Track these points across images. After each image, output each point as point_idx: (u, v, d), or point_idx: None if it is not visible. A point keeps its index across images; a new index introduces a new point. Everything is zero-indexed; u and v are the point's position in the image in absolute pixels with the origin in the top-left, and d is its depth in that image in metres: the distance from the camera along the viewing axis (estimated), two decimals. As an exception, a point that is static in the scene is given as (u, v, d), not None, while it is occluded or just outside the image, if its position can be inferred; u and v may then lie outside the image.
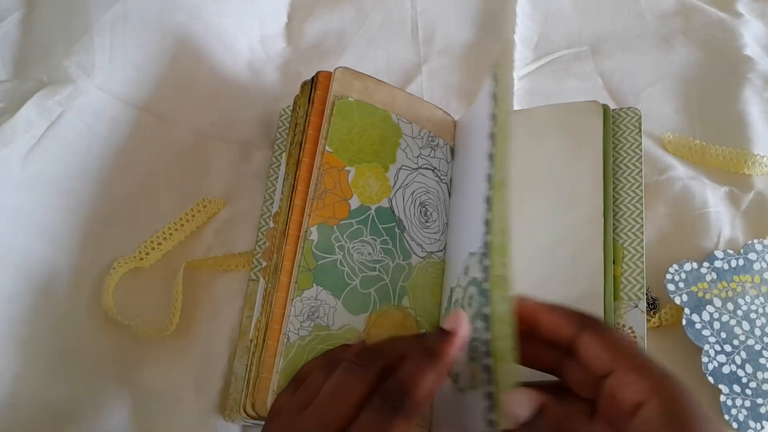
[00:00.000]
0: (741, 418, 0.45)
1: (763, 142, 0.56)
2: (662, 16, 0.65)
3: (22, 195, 0.47)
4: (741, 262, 0.50)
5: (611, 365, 0.34)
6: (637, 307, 0.47)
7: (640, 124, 0.53)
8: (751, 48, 0.61)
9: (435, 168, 0.51)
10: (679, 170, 0.56)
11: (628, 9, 0.66)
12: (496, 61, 0.44)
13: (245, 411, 0.42)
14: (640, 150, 0.52)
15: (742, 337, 0.47)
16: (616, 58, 0.63)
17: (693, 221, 0.53)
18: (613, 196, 0.51)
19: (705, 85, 0.60)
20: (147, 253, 0.50)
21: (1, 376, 0.43)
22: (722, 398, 0.46)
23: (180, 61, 0.56)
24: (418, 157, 0.50)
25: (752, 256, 0.50)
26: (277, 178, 0.54)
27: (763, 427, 0.45)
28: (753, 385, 0.46)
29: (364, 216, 0.47)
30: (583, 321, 0.36)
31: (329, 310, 0.44)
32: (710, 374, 0.47)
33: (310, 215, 0.45)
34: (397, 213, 0.48)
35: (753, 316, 0.48)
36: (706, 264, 0.50)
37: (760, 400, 0.46)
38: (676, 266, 0.50)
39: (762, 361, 0.47)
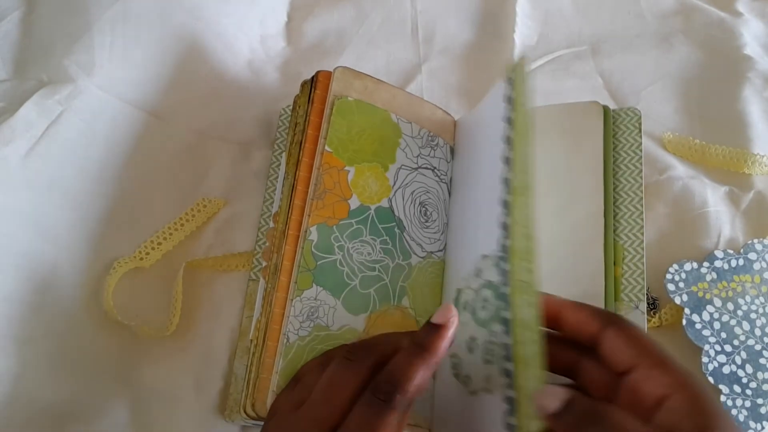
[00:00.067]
0: (741, 418, 0.45)
1: (763, 142, 0.56)
2: (662, 16, 0.65)
3: (21, 194, 0.47)
4: (741, 261, 0.50)
5: (635, 361, 0.34)
6: (637, 308, 0.47)
7: (640, 124, 0.53)
8: (751, 47, 0.61)
9: (435, 168, 0.51)
10: (679, 170, 0.56)
11: (628, 9, 0.66)
12: (512, 65, 0.44)
13: (245, 411, 0.42)
14: (641, 150, 0.52)
15: (743, 337, 0.47)
16: (616, 58, 0.63)
17: (693, 221, 0.53)
18: (614, 197, 0.51)
19: (705, 84, 0.60)
20: (147, 253, 0.50)
21: (1, 376, 0.43)
22: (722, 398, 0.46)
23: (180, 60, 0.56)
24: (417, 156, 0.50)
25: (752, 255, 0.50)
26: (277, 177, 0.54)
27: (763, 428, 0.45)
28: (753, 385, 0.46)
29: (363, 216, 0.47)
30: (608, 317, 0.37)
31: (329, 311, 0.44)
32: (710, 374, 0.47)
33: (309, 215, 0.45)
34: (396, 213, 0.48)
35: (753, 316, 0.48)
36: (706, 264, 0.50)
37: (760, 401, 0.46)
38: (676, 266, 0.50)
39: (762, 361, 0.47)
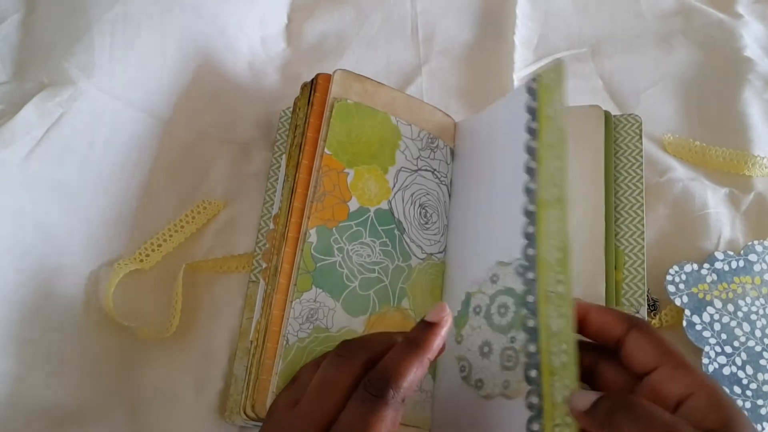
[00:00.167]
0: (741, 419, 0.45)
1: (763, 143, 0.56)
2: (662, 17, 0.65)
3: (22, 196, 0.47)
4: (741, 263, 0.50)
5: (657, 361, 0.35)
6: (638, 312, 0.47)
7: (641, 131, 0.53)
8: (751, 49, 0.61)
9: (435, 170, 0.51)
10: (679, 171, 0.56)
11: (627, 9, 0.66)
12: (541, 72, 0.44)
13: (245, 412, 0.42)
14: (641, 157, 0.52)
15: (743, 339, 0.47)
16: (616, 59, 0.63)
17: (693, 222, 0.53)
18: (614, 202, 0.51)
19: (705, 86, 0.60)
20: (147, 255, 0.51)
21: (1, 376, 0.43)
22: (722, 400, 0.46)
23: (180, 62, 0.56)
24: (417, 158, 0.50)
25: (752, 257, 0.50)
26: (277, 179, 0.54)
27: (764, 428, 0.45)
28: (753, 386, 0.46)
29: (363, 218, 0.47)
30: (632, 320, 0.38)
31: (328, 312, 0.44)
32: (711, 376, 0.47)
33: (309, 217, 0.45)
34: (396, 215, 0.48)
35: (753, 317, 0.48)
36: (706, 265, 0.50)
37: (760, 402, 0.46)
38: (676, 267, 0.50)
39: (762, 362, 0.47)
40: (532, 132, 0.43)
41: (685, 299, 0.49)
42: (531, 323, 0.38)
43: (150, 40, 0.55)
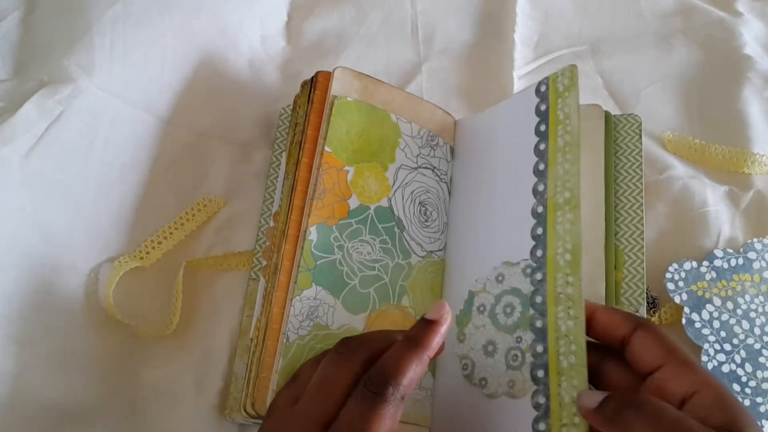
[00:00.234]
0: (740, 417, 0.45)
1: (763, 142, 0.56)
2: (662, 16, 0.65)
3: (21, 194, 0.47)
4: (740, 261, 0.50)
5: (663, 360, 0.36)
6: (638, 312, 0.47)
7: (640, 130, 0.53)
8: (751, 47, 0.61)
9: (435, 167, 0.51)
10: (679, 169, 0.56)
11: (627, 8, 0.66)
12: (553, 80, 0.44)
13: (245, 410, 0.42)
14: (641, 156, 0.52)
15: (742, 336, 0.47)
16: (615, 58, 0.63)
17: (693, 220, 0.53)
18: (614, 202, 0.51)
19: (705, 84, 0.60)
20: (147, 253, 0.51)
21: (1, 375, 0.43)
22: (722, 397, 0.46)
23: (180, 60, 0.56)
24: (417, 156, 0.50)
25: (752, 255, 0.50)
26: (277, 177, 0.54)
27: (762, 426, 0.45)
28: (752, 384, 0.46)
29: (363, 216, 0.47)
30: (637, 320, 0.38)
31: (328, 310, 0.44)
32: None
33: (309, 215, 0.45)
34: (396, 212, 0.48)
35: (752, 315, 0.48)
36: (705, 263, 0.50)
37: (759, 399, 0.46)
38: (675, 265, 0.50)
39: (761, 360, 0.47)
40: (540, 134, 0.43)
41: (685, 297, 0.49)
42: (539, 324, 0.39)
43: (150, 39, 0.55)
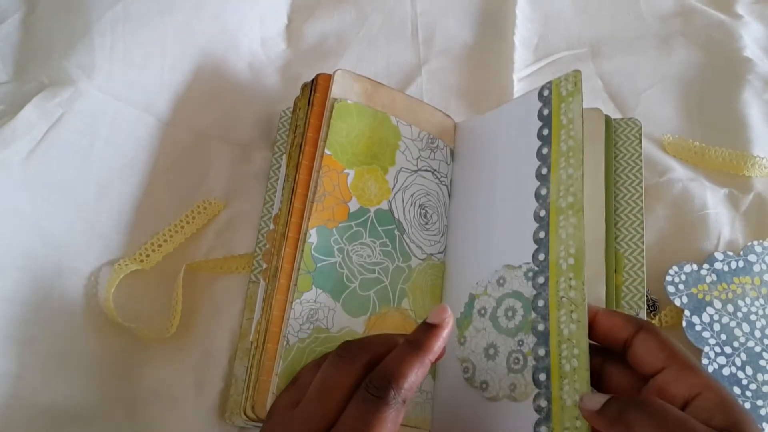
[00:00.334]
0: (740, 420, 0.45)
1: (763, 144, 0.56)
2: (662, 18, 0.65)
3: (22, 196, 0.47)
4: (741, 263, 0.50)
5: (665, 363, 0.36)
6: (637, 315, 0.47)
7: (640, 134, 0.53)
8: (751, 50, 0.61)
9: (435, 170, 0.51)
10: (679, 172, 0.56)
11: (627, 10, 0.66)
12: (556, 85, 0.44)
13: (245, 413, 0.42)
14: (641, 160, 0.52)
15: (742, 339, 0.47)
16: (615, 60, 0.63)
17: (693, 223, 0.53)
18: (614, 206, 0.51)
19: (705, 86, 0.60)
20: (147, 255, 0.51)
21: (1, 376, 0.43)
22: (722, 400, 0.46)
23: (180, 62, 0.56)
24: (417, 159, 0.50)
25: (752, 257, 0.50)
26: (277, 179, 0.54)
27: (763, 429, 0.45)
28: (753, 387, 0.46)
29: (363, 218, 0.47)
30: (639, 322, 0.38)
31: (328, 313, 0.44)
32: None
33: (309, 218, 0.45)
34: (396, 215, 0.48)
35: (753, 317, 0.48)
36: (706, 266, 0.50)
37: (760, 402, 0.46)
38: (676, 268, 0.50)
39: (762, 363, 0.47)
40: (543, 138, 0.43)
41: (685, 300, 0.49)
42: (541, 327, 0.39)
43: (150, 40, 0.55)
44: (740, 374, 0.47)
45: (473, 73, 0.64)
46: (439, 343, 0.37)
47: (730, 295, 0.49)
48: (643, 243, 0.49)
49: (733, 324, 0.48)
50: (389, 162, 0.49)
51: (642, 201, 0.51)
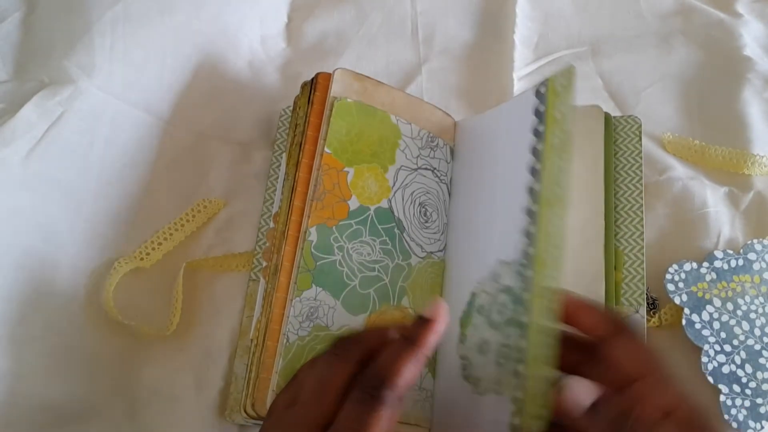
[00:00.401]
0: (741, 417, 0.45)
1: (763, 143, 0.56)
2: (662, 17, 0.65)
3: (22, 195, 0.47)
4: (741, 262, 0.50)
5: (643, 371, 0.35)
6: (637, 312, 0.47)
7: (640, 132, 0.53)
8: (751, 48, 0.61)
9: (435, 168, 0.51)
10: (679, 170, 0.56)
11: (627, 9, 0.66)
12: (552, 77, 0.44)
13: (245, 411, 0.42)
14: (641, 158, 0.52)
15: (742, 337, 0.47)
16: (615, 59, 0.63)
17: (693, 221, 0.53)
18: (614, 203, 0.51)
19: (705, 85, 0.60)
20: (147, 253, 0.51)
21: (1, 375, 0.43)
22: (722, 398, 0.46)
23: (180, 61, 0.56)
24: (417, 157, 0.50)
25: (752, 256, 0.50)
26: (277, 178, 0.54)
27: (762, 427, 0.45)
28: (753, 384, 0.46)
29: (363, 216, 0.47)
30: (620, 324, 0.37)
31: (328, 311, 0.44)
32: (710, 374, 0.47)
33: (309, 216, 0.45)
34: (396, 213, 0.48)
35: (753, 316, 0.48)
36: (705, 264, 0.50)
37: (759, 400, 0.46)
38: (675, 266, 0.50)
39: (761, 361, 0.47)
40: (538, 134, 0.43)
41: (685, 298, 0.49)
42: (523, 319, 0.39)
43: (150, 40, 0.55)
44: (740, 372, 0.47)
45: (473, 72, 0.64)
46: (433, 338, 0.36)
47: (730, 294, 0.49)
48: (643, 240, 0.49)
49: (732, 322, 0.48)
50: (389, 160, 0.49)
51: (642, 198, 0.51)
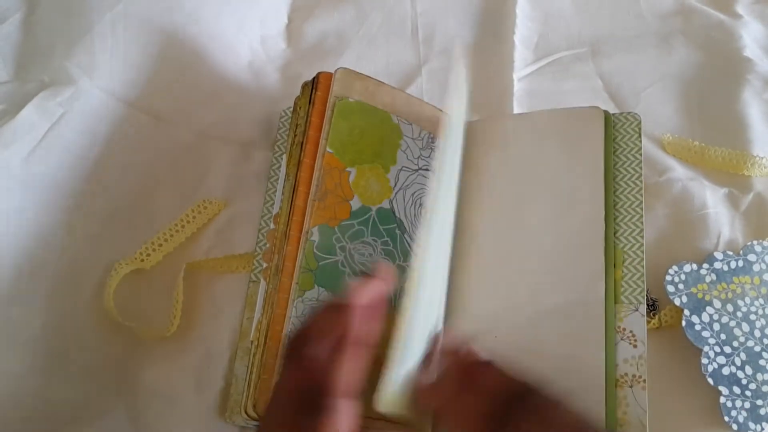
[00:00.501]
0: (741, 419, 0.45)
1: (763, 144, 0.56)
2: (662, 17, 0.65)
3: (23, 196, 0.47)
4: (740, 263, 0.50)
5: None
6: (637, 310, 0.47)
7: (640, 129, 0.53)
8: (751, 49, 0.61)
9: (435, 169, 0.51)
10: (679, 171, 0.56)
11: (627, 10, 0.66)
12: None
13: (246, 412, 0.42)
14: (640, 155, 0.52)
15: (742, 339, 0.47)
16: (615, 59, 0.63)
17: (692, 222, 0.53)
18: (614, 201, 0.51)
19: (704, 86, 0.61)
20: (148, 255, 0.51)
21: (1, 376, 0.43)
22: (722, 400, 0.46)
23: (181, 62, 0.56)
24: (418, 158, 0.50)
25: (752, 257, 0.50)
26: (277, 179, 0.54)
27: (763, 429, 0.45)
28: (753, 386, 0.46)
29: (365, 217, 0.47)
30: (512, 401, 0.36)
31: (330, 312, 0.44)
32: (710, 376, 0.47)
33: (311, 216, 0.45)
34: (397, 214, 0.48)
35: (753, 317, 0.48)
36: (705, 265, 0.50)
37: (759, 402, 0.46)
38: (675, 267, 0.50)
39: (761, 362, 0.47)
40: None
41: (685, 299, 0.49)
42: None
43: (151, 40, 0.55)
44: (740, 374, 0.47)
45: (473, 72, 0.63)
46: (359, 326, 0.35)
47: (730, 295, 0.49)
48: (642, 237, 0.49)
49: (732, 323, 0.48)
50: (390, 161, 0.49)
51: (641, 195, 0.51)
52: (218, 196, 0.55)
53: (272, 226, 0.51)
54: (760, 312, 0.48)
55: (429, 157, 0.51)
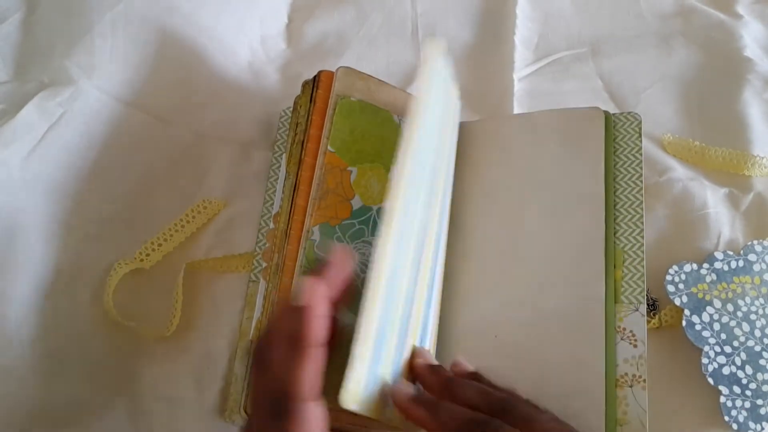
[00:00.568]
0: (741, 419, 0.45)
1: (763, 144, 0.56)
2: (662, 17, 0.65)
3: (22, 196, 0.47)
4: (741, 263, 0.50)
5: None
6: (637, 310, 0.47)
7: (640, 129, 0.53)
8: (751, 49, 0.61)
9: (436, 169, 0.51)
10: (679, 171, 0.56)
11: (627, 10, 0.66)
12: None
13: (245, 412, 0.42)
14: (641, 155, 0.52)
15: (742, 339, 0.47)
16: (616, 59, 0.63)
17: (693, 222, 0.53)
18: (614, 201, 0.51)
19: (705, 86, 0.60)
20: (147, 254, 0.51)
21: (1, 375, 0.43)
22: (722, 399, 0.46)
23: (180, 62, 0.56)
24: (418, 158, 0.50)
25: (752, 257, 0.50)
26: (277, 179, 0.54)
27: (763, 429, 0.45)
28: (753, 386, 0.46)
29: (366, 216, 0.47)
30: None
31: (330, 311, 0.44)
32: (710, 375, 0.47)
33: (312, 215, 0.45)
34: (398, 214, 0.48)
35: (753, 317, 0.48)
36: (705, 265, 0.50)
37: (760, 402, 0.46)
38: (675, 267, 0.50)
39: (762, 362, 0.47)
40: None
41: (685, 299, 0.49)
42: None
43: (150, 40, 0.55)
44: (740, 373, 0.47)
45: (473, 72, 0.64)
46: (316, 326, 0.33)
47: (730, 295, 0.49)
48: (642, 237, 0.49)
49: (733, 323, 0.48)
50: (392, 160, 0.49)
51: (642, 195, 0.51)
52: (218, 196, 0.55)
53: (272, 225, 0.51)
54: (761, 312, 0.48)
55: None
